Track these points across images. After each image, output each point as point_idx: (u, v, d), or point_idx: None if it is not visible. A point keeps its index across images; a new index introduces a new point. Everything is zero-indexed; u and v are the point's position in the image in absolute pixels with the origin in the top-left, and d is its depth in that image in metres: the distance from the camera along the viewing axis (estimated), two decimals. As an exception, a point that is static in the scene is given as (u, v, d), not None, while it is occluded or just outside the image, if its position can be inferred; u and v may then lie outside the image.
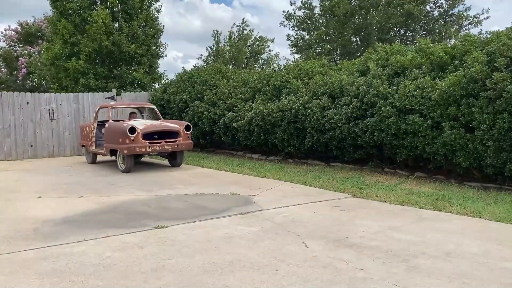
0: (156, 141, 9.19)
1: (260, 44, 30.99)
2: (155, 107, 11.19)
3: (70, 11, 15.78)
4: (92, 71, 15.73)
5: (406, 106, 7.44)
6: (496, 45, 6.65)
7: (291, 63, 12.38)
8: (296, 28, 24.19)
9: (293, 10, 24.01)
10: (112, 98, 13.85)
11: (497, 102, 6.28)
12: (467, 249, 3.95)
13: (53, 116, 12.90)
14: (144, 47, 16.62)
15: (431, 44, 8.07)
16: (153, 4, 17.35)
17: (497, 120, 6.26)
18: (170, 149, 9.35)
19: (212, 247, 4.10)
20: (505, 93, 6.15)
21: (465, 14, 20.99)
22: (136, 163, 9.95)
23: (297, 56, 24.85)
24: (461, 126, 6.81)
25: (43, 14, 26.46)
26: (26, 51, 23.36)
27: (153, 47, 17.30)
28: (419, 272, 3.42)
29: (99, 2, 16.29)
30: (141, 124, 9.36)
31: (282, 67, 12.54)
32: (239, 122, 10.76)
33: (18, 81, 23.41)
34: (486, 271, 3.42)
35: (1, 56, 24.33)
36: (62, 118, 13.05)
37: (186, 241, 4.32)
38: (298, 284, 3.23)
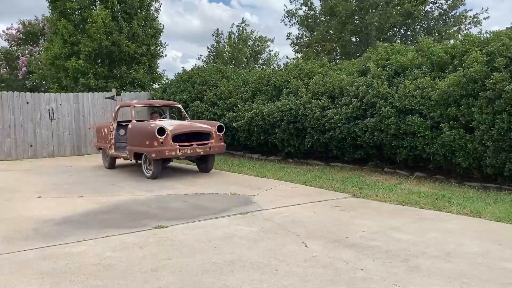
0: (186, 143, 8.30)
1: (260, 44, 30.97)
2: (181, 106, 10.30)
3: (69, 11, 15.78)
4: (92, 71, 15.72)
5: (406, 106, 7.44)
6: (495, 45, 6.65)
7: (292, 61, 12.40)
8: (298, 26, 24.14)
9: (295, 9, 23.97)
10: (112, 98, 13.86)
11: (496, 102, 6.29)
12: (467, 249, 3.95)
13: (53, 116, 12.90)
14: (144, 47, 16.62)
15: (431, 44, 8.08)
16: (153, 4, 17.36)
17: (497, 120, 6.27)
18: (202, 152, 8.45)
19: (212, 247, 4.10)
20: (504, 94, 6.16)
21: (464, 14, 20.98)
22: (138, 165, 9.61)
23: (298, 54, 24.83)
24: (461, 126, 6.81)
25: (42, 15, 26.47)
26: (27, 51, 23.34)
27: (153, 47, 17.30)
28: (419, 272, 3.42)
29: (98, 1, 16.28)
30: (170, 124, 8.46)
31: (282, 67, 12.54)
32: (239, 122, 10.76)
33: (18, 80, 23.39)
34: (486, 271, 3.42)
35: (2, 55, 24.32)
36: (62, 118, 13.04)
37: (186, 241, 4.32)
38: (298, 284, 3.23)
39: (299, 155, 10.23)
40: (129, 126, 8.89)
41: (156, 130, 7.96)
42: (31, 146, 12.57)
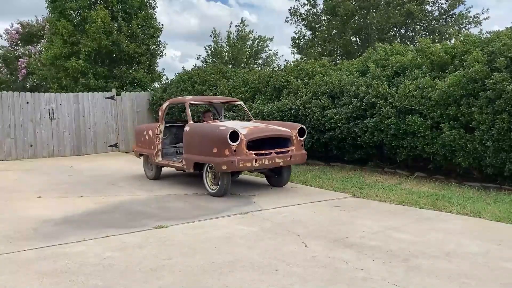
0: (263, 151, 6.51)
1: (260, 44, 30.91)
2: (243, 103, 8.44)
3: (69, 11, 15.78)
4: (91, 70, 15.72)
5: (406, 106, 7.44)
6: (496, 45, 6.65)
7: (291, 63, 12.36)
8: (300, 25, 24.09)
9: (297, 6, 23.91)
10: (112, 98, 13.86)
11: (496, 102, 6.29)
12: (467, 249, 3.95)
13: (53, 116, 12.90)
14: (144, 47, 16.62)
15: (431, 44, 8.07)
16: (151, 3, 17.36)
17: (497, 120, 6.27)
18: (281, 163, 6.63)
19: (212, 247, 4.10)
20: (504, 94, 6.16)
21: (465, 14, 20.98)
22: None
23: (297, 56, 24.79)
24: (461, 126, 6.81)
25: (42, 15, 26.46)
26: (27, 51, 23.33)
27: (153, 47, 17.30)
28: (419, 272, 3.42)
29: (98, 1, 16.27)
30: (242, 127, 6.66)
31: (282, 66, 12.52)
32: (239, 122, 10.75)
33: (18, 81, 23.38)
34: (486, 271, 3.42)
35: (1, 57, 24.29)
36: (62, 118, 13.04)
37: (186, 241, 4.32)
38: (298, 284, 3.23)
39: (299, 155, 10.21)
40: (186, 128, 7.19)
41: (228, 135, 6.18)
42: (31, 146, 12.56)
